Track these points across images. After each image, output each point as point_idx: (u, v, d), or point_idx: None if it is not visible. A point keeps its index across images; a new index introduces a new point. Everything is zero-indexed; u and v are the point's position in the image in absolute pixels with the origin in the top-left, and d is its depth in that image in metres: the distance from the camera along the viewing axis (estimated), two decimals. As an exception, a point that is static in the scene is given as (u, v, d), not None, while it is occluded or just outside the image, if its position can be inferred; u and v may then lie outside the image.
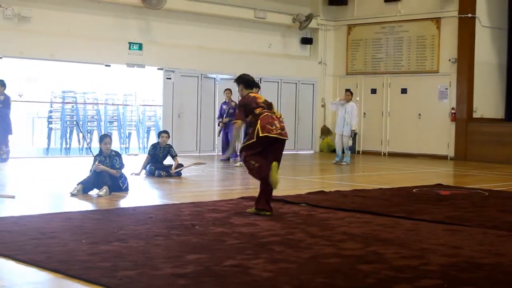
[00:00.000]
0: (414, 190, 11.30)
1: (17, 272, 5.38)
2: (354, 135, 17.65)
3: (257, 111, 8.42)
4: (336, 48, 23.15)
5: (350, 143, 17.75)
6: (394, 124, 21.75)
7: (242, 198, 9.71)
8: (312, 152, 22.71)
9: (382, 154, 21.88)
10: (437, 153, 20.61)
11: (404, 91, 21.61)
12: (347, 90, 18.01)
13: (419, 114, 21.18)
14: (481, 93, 20.44)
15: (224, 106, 17.65)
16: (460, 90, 20.34)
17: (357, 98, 20.24)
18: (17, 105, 18.89)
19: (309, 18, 21.90)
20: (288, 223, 7.76)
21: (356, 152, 22.13)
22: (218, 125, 17.85)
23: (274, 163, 8.04)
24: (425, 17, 20.96)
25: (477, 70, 20.30)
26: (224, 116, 17.46)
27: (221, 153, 18.09)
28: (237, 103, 8.96)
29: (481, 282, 5.22)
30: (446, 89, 20.66)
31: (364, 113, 22.35)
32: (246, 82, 8.83)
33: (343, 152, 17.49)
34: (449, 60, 20.49)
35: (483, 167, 17.57)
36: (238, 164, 15.19)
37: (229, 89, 17.58)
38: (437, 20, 20.77)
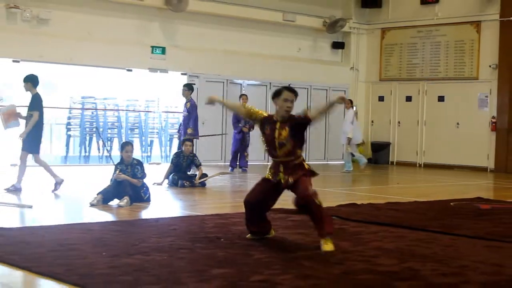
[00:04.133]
0: (451, 204, 11.20)
1: (35, 285, 5.42)
2: (362, 143, 18.73)
3: None
4: (369, 53, 23.12)
5: (349, 149, 18.45)
6: (430, 133, 21.64)
7: (270, 210, 9.68)
8: (343, 162, 22.61)
9: (418, 165, 21.77)
10: (476, 165, 20.47)
11: (441, 98, 21.50)
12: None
13: (457, 123, 21.05)
14: (523, 101, 20.29)
15: None
16: (501, 98, 20.20)
17: (355, 107, 19.81)
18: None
19: (338, 22, 21.90)
20: (318, 237, 7.73)
21: (390, 163, 22.14)
22: (239, 132, 17.53)
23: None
24: (464, 20, 20.86)
25: (519, 76, 20.16)
26: (243, 123, 17.11)
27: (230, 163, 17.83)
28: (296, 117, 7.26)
29: (524, 301, 5.18)
30: (486, 97, 20.53)
31: (399, 122, 22.29)
32: None
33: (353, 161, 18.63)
34: (490, 66, 20.37)
35: (525, 180, 17.44)
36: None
37: (245, 95, 17.78)
38: (477, 24, 20.66)
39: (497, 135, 20.23)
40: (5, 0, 16.47)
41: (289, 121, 7.14)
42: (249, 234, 7.48)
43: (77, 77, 19.89)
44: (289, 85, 8.28)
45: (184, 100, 15.89)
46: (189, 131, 15.40)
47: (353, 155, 18.51)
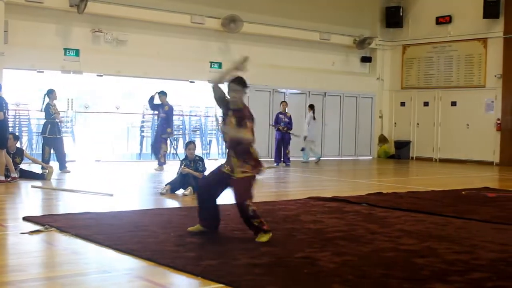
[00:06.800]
0: (463, 192, 11.05)
1: (116, 259, 5.48)
2: (304, 138, 18.75)
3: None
4: (392, 65, 22.88)
5: (310, 145, 18.90)
6: (445, 133, 21.35)
7: (309, 198, 9.67)
8: (371, 157, 22.47)
9: (434, 160, 21.49)
10: (484, 159, 20.12)
11: (453, 104, 21.20)
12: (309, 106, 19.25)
13: (467, 124, 20.73)
14: (524, 105, 19.92)
15: (281, 116, 17.67)
16: (505, 102, 19.86)
17: (312, 112, 18.96)
18: (115, 116, 19.34)
19: (366, 40, 21.74)
20: (351, 220, 7.69)
21: (410, 158, 21.92)
22: (277, 130, 17.54)
23: None
24: (473, 37, 20.54)
25: (521, 84, 19.79)
26: (281, 124, 17.48)
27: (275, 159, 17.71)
28: (245, 112, 6.31)
29: (527, 276, 5.06)
30: (492, 102, 20.18)
31: (418, 123, 22.06)
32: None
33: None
34: (495, 75, 20.03)
35: (526, 172, 17.08)
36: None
37: (285, 102, 18.16)
38: (484, 40, 20.31)
39: (501, 134, 19.90)
40: (91, 26, 16.72)
41: (237, 112, 6.25)
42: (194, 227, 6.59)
43: (149, 88, 20.03)
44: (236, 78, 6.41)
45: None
46: (169, 130, 15.23)
47: (303, 149, 18.78)
